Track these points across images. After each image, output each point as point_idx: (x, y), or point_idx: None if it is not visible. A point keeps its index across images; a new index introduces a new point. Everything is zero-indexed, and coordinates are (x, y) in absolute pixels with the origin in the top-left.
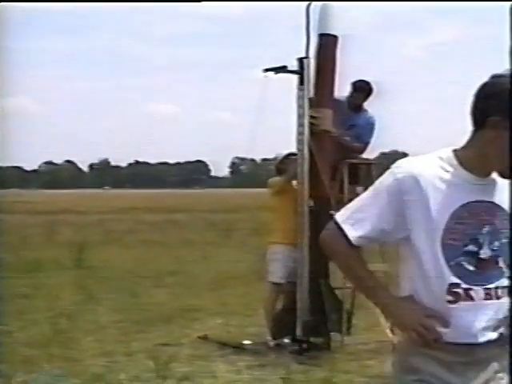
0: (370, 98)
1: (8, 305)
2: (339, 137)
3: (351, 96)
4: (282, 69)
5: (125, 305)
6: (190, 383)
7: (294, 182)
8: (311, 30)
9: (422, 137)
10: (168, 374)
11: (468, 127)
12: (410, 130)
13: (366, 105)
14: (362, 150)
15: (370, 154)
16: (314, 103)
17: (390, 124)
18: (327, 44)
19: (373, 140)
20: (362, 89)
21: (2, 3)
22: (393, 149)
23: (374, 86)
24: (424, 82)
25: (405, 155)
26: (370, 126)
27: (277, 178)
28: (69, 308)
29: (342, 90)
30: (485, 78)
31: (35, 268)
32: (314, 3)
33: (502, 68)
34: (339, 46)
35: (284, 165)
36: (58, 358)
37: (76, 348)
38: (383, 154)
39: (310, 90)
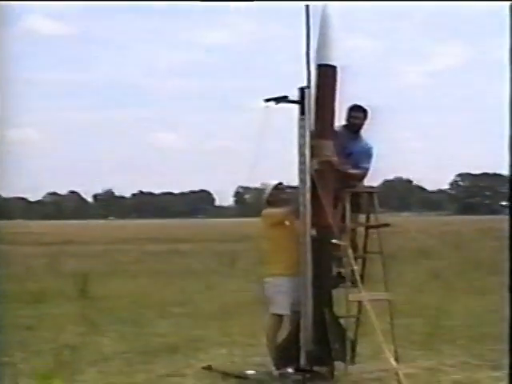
0: (369, 124)
1: (11, 336)
2: (340, 166)
3: (349, 120)
4: (283, 99)
5: (129, 335)
6: None
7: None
8: (311, 59)
9: (426, 163)
10: None
11: (472, 153)
12: (413, 156)
13: (364, 131)
14: (362, 177)
15: (373, 181)
16: (314, 135)
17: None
18: (326, 75)
19: (372, 166)
20: (359, 114)
21: (2, 2)
22: (397, 176)
23: (370, 111)
24: (426, 109)
25: (409, 182)
26: (367, 152)
27: (274, 210)
28: (73, 339)
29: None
30: (487, 103)
31: (39, 299)
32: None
33: (503, 92)
34: (339, 76)
35: (274, 197)
36: None
37: (80, 379)
38: (387, 182)
39: (311, 120)
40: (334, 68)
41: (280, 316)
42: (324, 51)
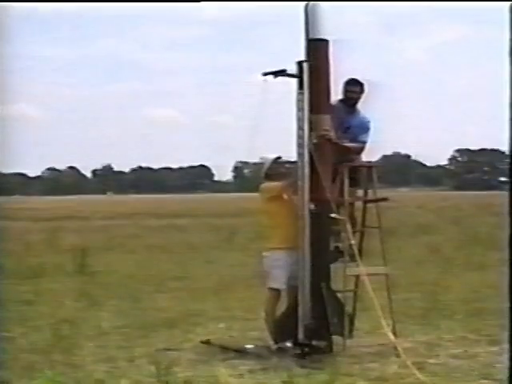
0: (367, 99)
1: (10, 311)
2: (337, 140)
3: (346, 94)
4: (281, 72)
5: (127, 310)
6: None
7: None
8: (310, 31)
9: (425, 138)
10: (170, 379)
11: (470, 128)
12: (411, 131)
13: (362, 106)
14: (360, 151)
15: (372, 156)
16: (311, 109)
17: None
18: (318, 49)
19: (370, 140)
20: (356, 87)
21: (2, 3)
22: (395, 151)
23: (366, 85)
24: (425, 84)
25: (408, 157)
26: (365, 126)
27: (272, 184)
28: (71, 314)
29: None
30: (486, 79)
31: (38, 274)
32: (311, 3)
33: (502, 68)
34: (332, 50)
35: (273, 170)
36: (60, 363)
37: (78, 354)
38: (386, 157)
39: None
40: (326, 42)
41: (278, 290)
42: (318, 25)
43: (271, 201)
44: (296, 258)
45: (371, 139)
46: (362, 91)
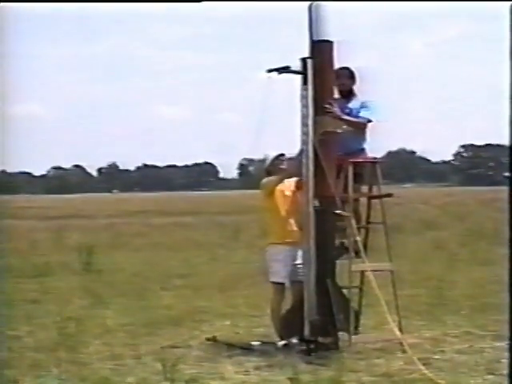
0: (372, 95)
1: (16, 309)
2: (340, 114)
3: (338, 87)
4: (285, 69)
5: (133, 308)
6: None
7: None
8: (314, 30)
9: (429, 134)
10: (176, 377)
11: (476, 124)
12: (416, 128)
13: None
14: (365, 126)
15: (377, 152)
16: (315, 111)
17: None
18: (322, 50)
19: (376, 118)
20: (346, 74)
21: (3, 3)
22: (400, 147)
23: (356, 72)
24: (429, 80)
25: (412, 153)
26: (366, 105)
27: (270, 178)
28: (77, 312)
29: None
30: (490, 74)
31: (44, 272)
32: (315, 3)
33: (504, 64)
34: (336, 50)
35: (274, 167)
36: (66, 362)
37: (84, 352)
38: (391, 153)
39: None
40: (330, 43)
41: (281, 285)
42: (319, 27)
43: (269, 196)
44: (297, 253)
45: (378, 117)
46: (353, 80)
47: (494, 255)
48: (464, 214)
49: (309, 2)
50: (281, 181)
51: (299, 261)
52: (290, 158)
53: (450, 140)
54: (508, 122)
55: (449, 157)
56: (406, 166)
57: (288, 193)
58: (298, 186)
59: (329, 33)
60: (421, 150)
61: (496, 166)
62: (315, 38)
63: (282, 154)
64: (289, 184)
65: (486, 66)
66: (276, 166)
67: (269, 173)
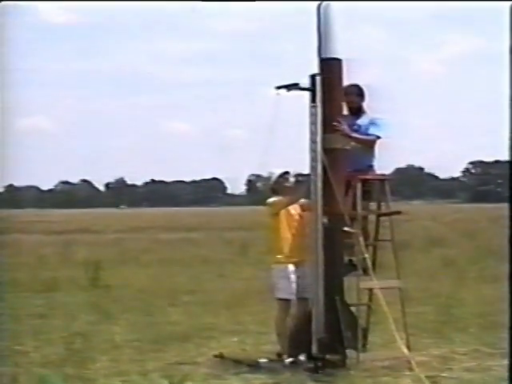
0: (381, 112)
1: (23, 324)
2: (349, 132)
3: (347, 104)
4: (294, 86)
5: (140, 324)
6: None
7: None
8: (323, 46)
9: (438, 151)
10: None
11: (484, 140)
12: (425, 144)
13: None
14: (373, 143)
15: (386, 169)
16: (324, 129)
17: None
18: (331, 68)
19: (384, 134)
20: (355, 91)
21: (2, 3)
22: (409, 164)
23: (365, 89)
24: (439, 96)
25: (421, 170)
26: (375, 122)
27: (279, 199)
28: (84, 327)
29: None
30: (499, 91)
31: (51, 287)
32: (324, 21)
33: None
34: (344, 68)
35: (279, 185)
36: (73, 377)
37: (91, 368)
38: (399, 169)
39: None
40: (339, 61)
41: (286, 302)
42: (328, 44)
43: (276, 215)
44: (303, 271)
45: (386, 134)
46: (362, 97)
47: (503, 273)
48: (472, 231)
49: (318, 10)
50: (289, 204)
51: (306, 278)
52: (298, 179)
53: (458, 156)
54: (508, 139)
55: (457, 173)
56: (414, 182)
57: (294, 212)
58: (304, 209)
59: (338, 49)
60: (429, 166)
61: (505, 182)
62: (324, 56)
63: (287, 172)
64: (295, 204)
65: (495, 83)
66: (281, 184)
67: (274, 191)
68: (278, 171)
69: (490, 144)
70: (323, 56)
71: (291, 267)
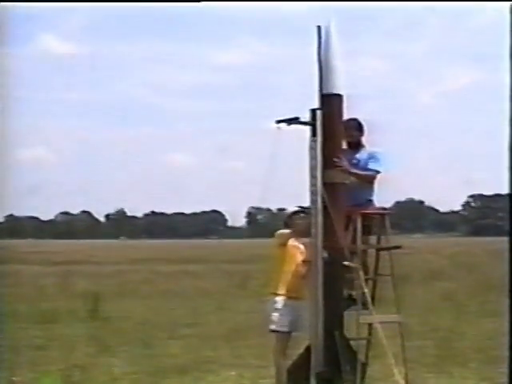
0: (380, 146)
1: (21, 355)
2: (349, 168)
3: (347, 136)
4: (294, 120)
5: (139, 356)
6: None
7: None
8: (324, 82)
9: (438, 184)
10: None
11: (484, 174)
12: (425, 178)
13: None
14: (373, 178)
15: (386, 203)
16: (325, 164)
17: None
18: (332, 104)
19: (384, 169)
20: (355, 126)
21: (3, 3)
22: (408, 197)
23: (365, 124)
24: (439, 129)
25: (421, 203)
26: (374, 156)
27: (284, 231)
28: (83, 360)
29: None
30: (499, 124)
31: (50, 319)
32: (324, 54)
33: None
34: (344, 104)
35: (292, 220)
36: None
37: None
38: (399, 203)
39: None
40: (340, 97)
41: (281, 334)
42: (328, 79)
43: (282, 246)
44: (300, 306)
45: (386, 168)
46: (361, 132)
47: (503, 307)
48: (473, 264)
49: (317, 57)
50: (294, 236)
51: (302, 312)
52: (304, 216)
53: (458, 190)
54: (507, 171)
55: (457, 207)
56: (414, 216)
57: (301, 247)
58: (308, 247)
59: (338, 82)
60: (429, 200)
61: (505, 216)
62: (325, 91)
63: (302, 211)
64: (302, 241)
65: (495, 116)
66: (293, 221)
67: (286, 225)
68: (292, 207)
69: (490, 177)
70: (324, 92)
71: (285, 300)
